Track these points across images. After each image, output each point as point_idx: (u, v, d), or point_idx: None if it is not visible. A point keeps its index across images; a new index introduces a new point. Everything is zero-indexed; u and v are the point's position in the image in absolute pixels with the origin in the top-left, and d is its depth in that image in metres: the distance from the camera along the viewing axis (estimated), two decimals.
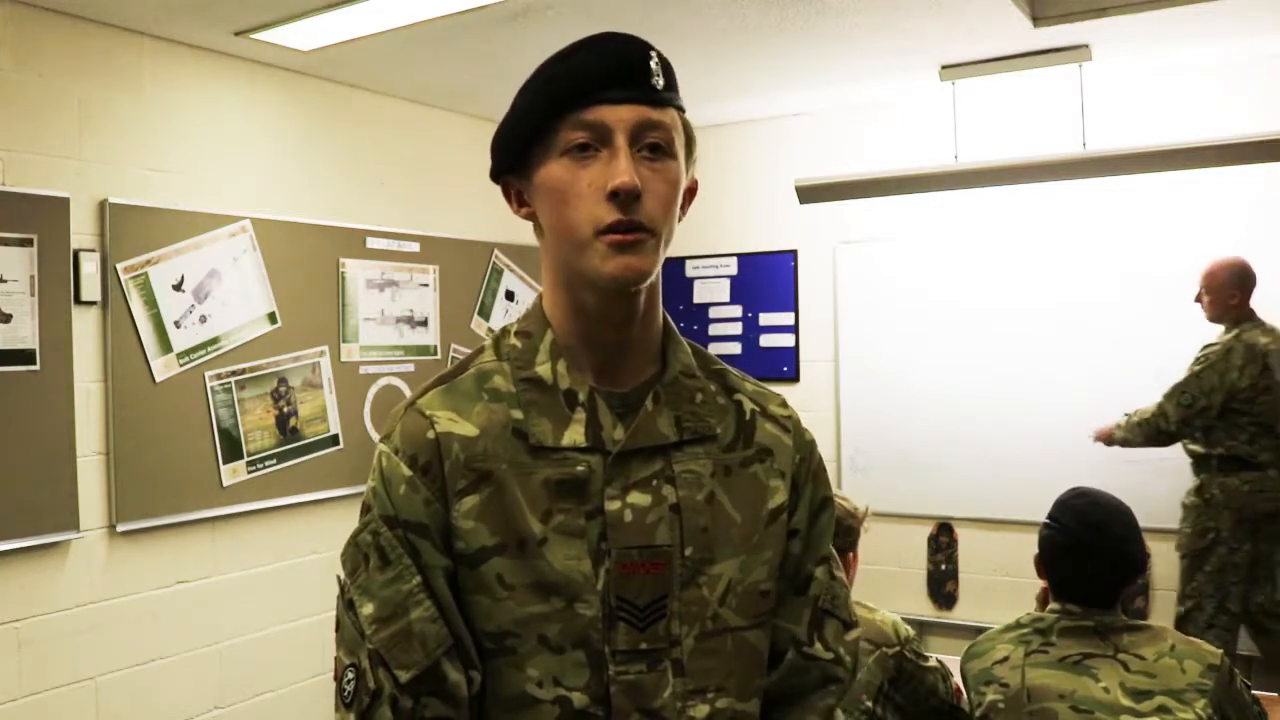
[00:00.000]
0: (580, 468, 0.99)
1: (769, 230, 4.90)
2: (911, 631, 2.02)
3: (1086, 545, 1.83)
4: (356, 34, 3.31)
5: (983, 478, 4.39)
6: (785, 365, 4.86)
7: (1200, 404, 3.53)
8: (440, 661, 0.95)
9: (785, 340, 4.87)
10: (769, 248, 4.91)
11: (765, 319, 4.92)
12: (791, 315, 4.86)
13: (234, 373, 3.50)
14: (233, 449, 3.49)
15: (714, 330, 5.03)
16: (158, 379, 3.28)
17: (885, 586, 4.45)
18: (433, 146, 4.36)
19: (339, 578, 1.01)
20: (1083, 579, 1.84)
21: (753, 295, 4.95)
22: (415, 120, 4.30)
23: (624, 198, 0.94)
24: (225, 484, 3.46)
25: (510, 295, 4.67)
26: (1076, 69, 3.86)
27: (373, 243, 4.02)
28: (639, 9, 3.15)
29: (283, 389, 3.66)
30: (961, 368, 4.42)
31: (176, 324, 3.33)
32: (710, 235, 4.97)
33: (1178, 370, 3.61)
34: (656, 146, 0.97)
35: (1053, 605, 1.88)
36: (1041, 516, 1.95)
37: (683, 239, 4.57)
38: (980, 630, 2.11)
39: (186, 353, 3.36)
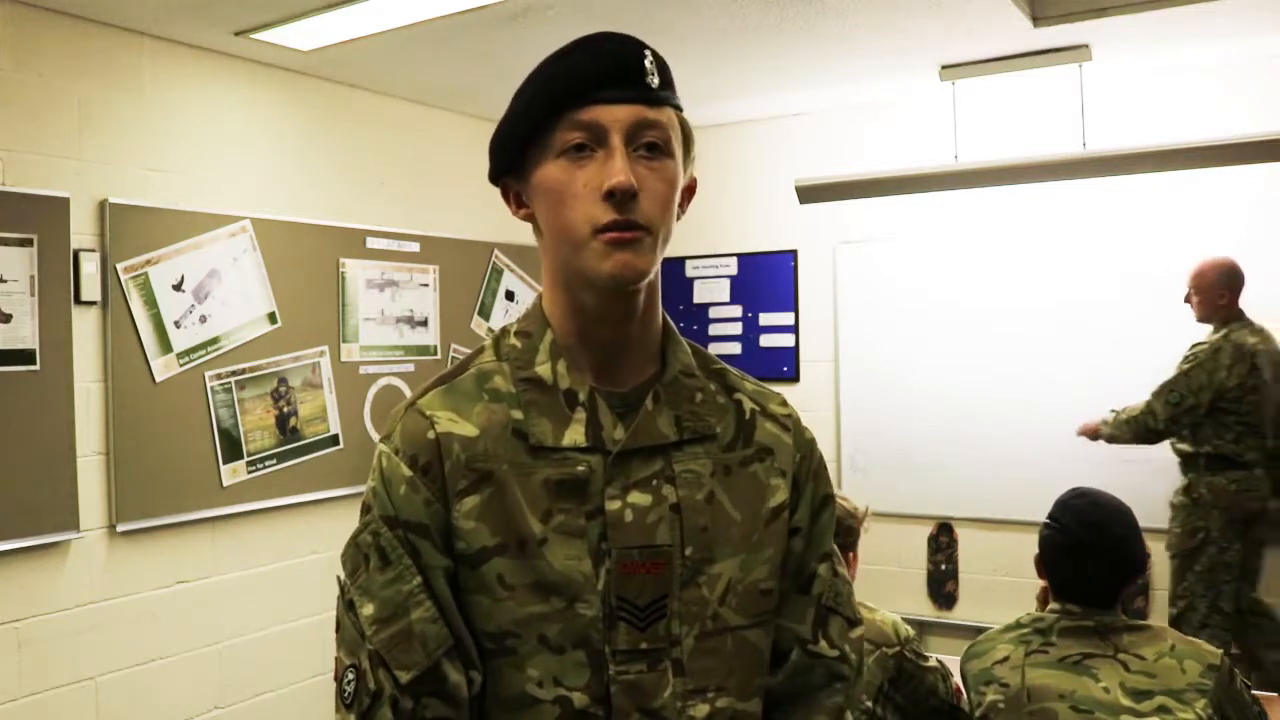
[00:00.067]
0: (580, 468, 0.99)
1: (769, 230, 4.90)
2: (911, 631, 2.02)
3: (1087, 545, 1.83)
4: (356, 34, 3.31)
5: (983, 478, 4.39)
6: (785, 365, 4.86)
7: (1188, 403, 3.54)
8: (441, 662, 0.95)
9: (785, 340, 4.87)
10: (769, 248, 4.91)
11: (765, 319, 4.92)
12: (791, 315, 4.86)
13: (234, 373, 3.50)
14: (233, 449, 3.49)
15: (714, 330, 5.04)
16: (158, 379, 3.28)
17: (885, 586, 4.45)
18: (433, 146, 4.36)
19: (339, 578, 1.01)
20: (1083, 579, 1.84)
21: (753, 295, 4.95)
22: (415, 120, 4.30)
23: (620, 197, 0.94)
24: (225, 484, 3.46)
25: (510, 295, 4.67)
26: (1076, 69, 3.86)
27: (373, 243, 4.02)
28: (639, 9, 3.15)
29: (283, 389, 3.66)
30: (961, 368, 4.42)
31: (176, 324, 3.33)
32: (710, 235, 4.97)
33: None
34: (653, 145, 0.97)
35: (1053, 605, 1.88)
36: (1041, 516, 1.95)
37: (683, 239, 4.59)
38: (980, 630, 2.11)
39: (186, 353, 3.36)
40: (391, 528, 0.98)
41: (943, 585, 4.51)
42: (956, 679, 2.01)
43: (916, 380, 4.52)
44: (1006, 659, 1.83)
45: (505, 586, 0.97)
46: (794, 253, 4.85)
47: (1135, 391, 3.72)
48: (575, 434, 1.00)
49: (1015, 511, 4.20)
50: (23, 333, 2.94)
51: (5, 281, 2.90)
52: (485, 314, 4.55)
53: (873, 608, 1.98)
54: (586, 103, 0.96)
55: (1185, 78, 3.99)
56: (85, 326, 3.12)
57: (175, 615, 3.35)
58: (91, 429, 3.12)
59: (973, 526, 4.45)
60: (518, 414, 1.01)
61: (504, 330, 1.08)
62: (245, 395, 3.53)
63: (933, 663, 2.02)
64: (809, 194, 4.21)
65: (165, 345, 3.30)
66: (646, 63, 0.98)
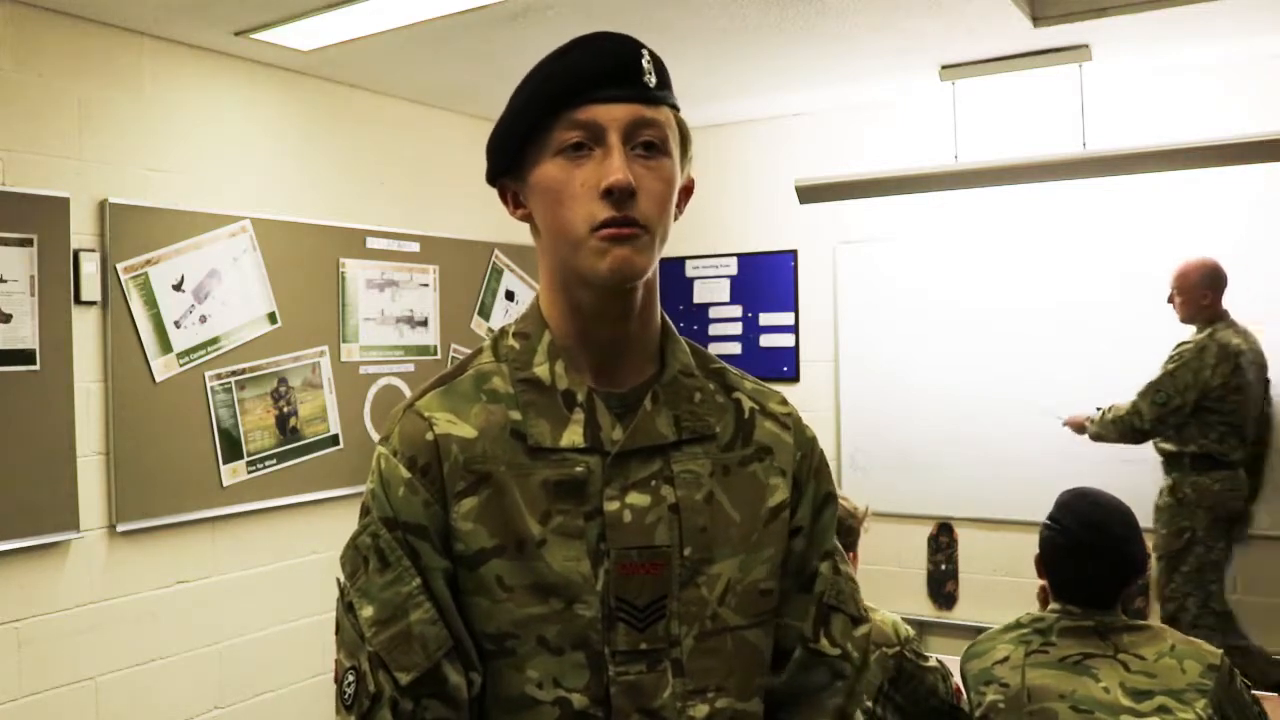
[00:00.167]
0: (579, 468, 0.99)
1: (769, 230, 4.90)
2: (911, 631, 2.02)
3: (1087, 546, 1.83)
4: (356, 34, 3.31)
5: (983, 478, 4.39)
6: (785, 365, 4.86)
7: (1175, 402, 3.55)
8: (440, 663, 0.95)
9: (785, 340, 4.87)
10: (769, 248, 4.91)
11: (765, 319, 4.92)
12: (791, 315, 4.86)
13: (234, 373, 3.50)
14: (233, 449, 3.49)
15: (714, 330, 5.03)
16: (158, 379, 3.28)
17: (885, 586, 4.45)
18: (433, 146, 4.36)
19: (339, 580, 1.01)
20: (1083, 579, 1.84)
21: (753, 295, 4.95)
22: (415, 120, 4.30)
23: (618, 195, 0.94)
24: (225, 484, 3.46)
25: (510, 295, 4.67)
26: (1076, 69, 3.86)
27: (373, 243, 4.02)
28: (639, 9, 3.15)
29: (283, 389, 3.66)
30: (961, 368, 4.42)
31: (176, 324, 3.34)
32: (710, 235, 4.97)
33: None
34: (650, 144, 0.98)
35: (1053, 605, 1.88)
36: (1041, 516, 1.95)
37: (683, 239, 4.60)
38: (980, 630, 2.11)
39: (186, 353, 3.36)
40: (390, 529, 0.98)
41: (943, 585, 4.51)
42: (956, 679, 2.01)
43: (916, 380, 4.52)
44: (1006, 659, 1.83)
45: (504, 588, 0.97)
46: (794, 253, 4.85)
47: (1135, 391, 3.72)
48: (573, 435, 1.00)
49: (1015, 511, 4.20)
50: (23, 333, 2.94)
51: (5, 281, 2.90)
52: (485, 314, 4.55)
53: (873, 608, 1.98)
54: (584, 102, 0.96)
55: (1185, 78, 3.99)
56: (85, 326, 3.12)
57: (175, 615, 3.35)
58: (91, 429, 3.12)
59: (973, 526, 4.45)
60: (516, 415, 1.00)
61: (502, 331, 1.08)
62: (245, 395, 3.53)
63: (933, 663, 2.02)
64: (809, 194, 4.21)
65: (165, 345, 3.30)
66: (644, 62, 0.98)
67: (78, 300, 3.08)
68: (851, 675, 1.09)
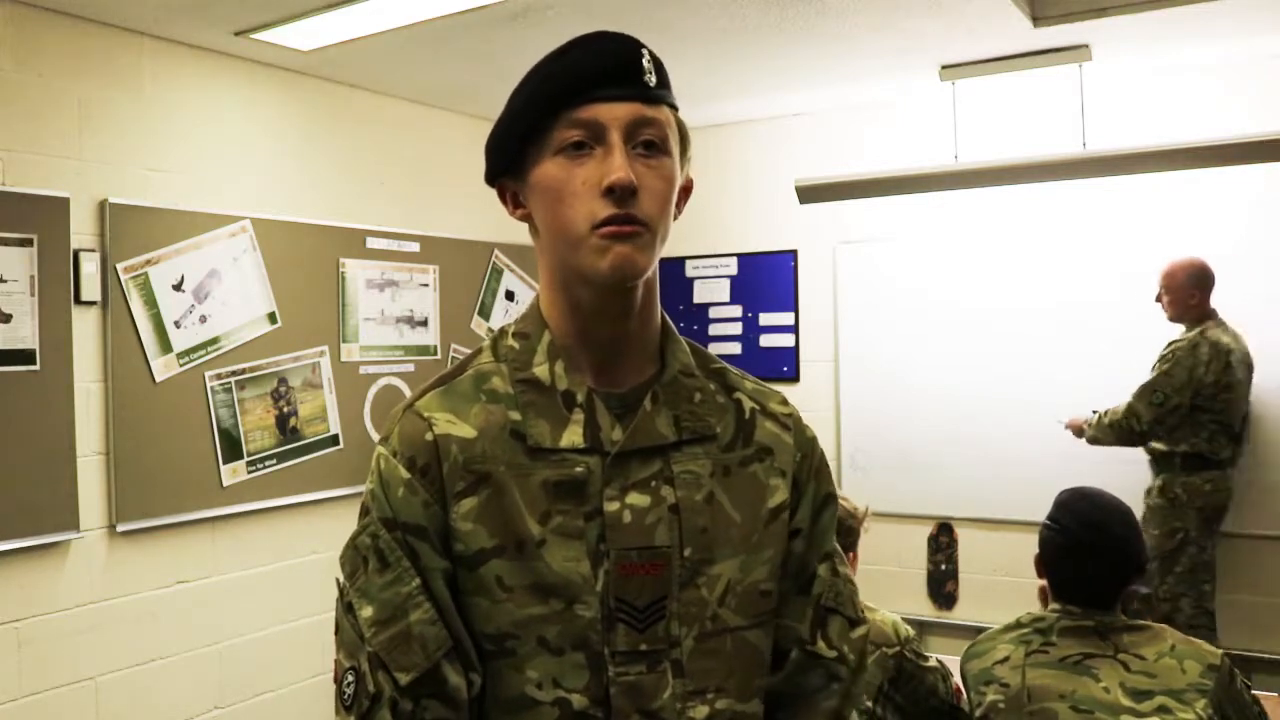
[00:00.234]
0: (579, 469, 0.99)
1: (769, 230, 4.89)
2: (911, 631, 2.02)
3: (1087, 545, 1.83)
4: (356, 34, 3.31)
5: (983, 478, 4.39)
6: (785, 365, 4.86)
7: (1173, 402, 3.56)
8: (440, 664, 0.95)
9: (785, 340, 4.87)
10: (769, 248, 4.91)
11: (765, 319, 4.92)
12: (791, 315, 4.86)
13: (234, 373, 3.50)
14: (233, 449, 3.49)
15: (714, 330, 5.03)
16: (158, 379, 3.28)
17: (885, 586, 4.45)
18: (433, 146, 4.36)
19: (338, 580, 1.01)
20: (1083, 579, 1.84)
21: (753, 295, 4.95)
22: (415, 120, 4.30)
23: (620, 193, 0.94)
24: (225, 484, 3.46)
25: (510, 295, 4.67)
26: (1076, 69, 3.85)
27: (373, 243, 4.02)
28: (639, 9, 3.15)
29: (283, 389, 3.66)
30: (961, 368, 4.42)
31: (176, 324, 3.33)
32: (710, 235, 4.97)
33: None
34: (651, 143, 0.98)
35: (1053, 605, 1.88)
36: (1041, 516, 1.95)
37: (683, 239, 4.60)
38: (980, 630, 2.11)
39: (186, 353, 3.36)
40: (390, 530, 0.97)
41: (943, 585, 4.51)
42: (956, 679, 2.01)
43: (916, 380, 4.52)
44: (1007, 659, 1.83)
45: (504, 588, 0.97)
46: (794, 253, 4.85)
47: (1130, 394, 3.72)
48: (573, 435, 1.00)
49: (1015, 511, 4.20)
50: (23, 333, 2.94)
51: (5, 281, 2.90)
52: (485, 314, 4.55)
53: (873, 608, 1.98)
54: (585, 101, 0.96)
55: (1185, 78, 3.99)
56: (85, 326, 3.12)
57: (175, 615, 3.35)
58: (91, 429, 3.12)
59: (973, 526, 4.45)
60: (516, 415, 1.00)
61: (502, 331, 1.08)
62: (245, 395, 3.53)
63: (933, 663, 2.02)
64: (809, 194, 4.21)
65: (165, 345, 3.30)
66: (644, 61, 0.98)
67: (78, 300, 3.08)
68: (847, 678, 1.09)
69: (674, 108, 1.02)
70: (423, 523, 0.97)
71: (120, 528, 3.17)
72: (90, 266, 3.10)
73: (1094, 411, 3.80)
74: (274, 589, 3.65)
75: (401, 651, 0.94)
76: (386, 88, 4.09)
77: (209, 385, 3.42)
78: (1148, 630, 1.81)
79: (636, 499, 0.99)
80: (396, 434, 1.01)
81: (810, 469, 1.11)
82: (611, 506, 0.98)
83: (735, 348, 4.95)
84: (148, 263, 3.27)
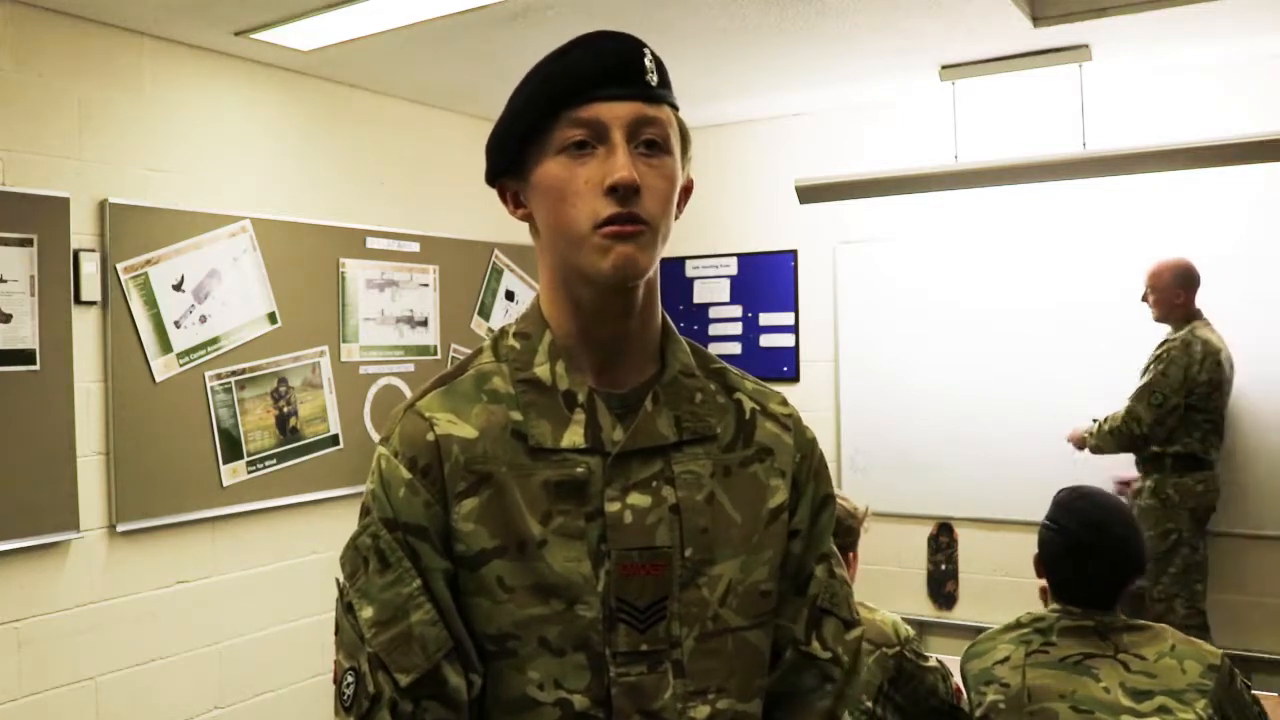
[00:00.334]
0: (580, 469, 0.98)
1: (769, 230, 4.89)
2: (911, 631, 2.02)
3: (1087, 545, 1.83)
4: (356, 34, 3.31)
5: (983, 478, 4.39)
6: (785, 365, 4.86)
7: (1172, 402, 3.57)
8: (440, 665, 0.94)
9: (785, 340, 4.87)
10: (769, 248, 4.91)
11: (765, 319, 4.92)
12: (791, 315, 4.86)
13: (234, 373, 3.50)
14: (233, 449, 3.49)
15: (714, 330, 5.03)
16: (158, 379, 3.28)
17: (885, 586, 4.45)
18: (433, 146, 4.36)
19: (338, 580, 1.00)
20: (1083, 579, 1.84)
21: (753, 295, 4.95)
22: (415, 120, 4.30)
23: (623, 192, 0.94)
24: (225, 484, 3.46)
25: (510, 295, 4.67)
26: (1076, 69, 3.85)
27: (373, 243, 4.02)
28: (639, 9, 3.15)
29: (283, 389, 3.66)
30: (961, 368, 4.42)
31: (176, 324, 3.33)
32: (710, 235, 4.97)
33: None
34: (653, 143, 0.97)
35: (1053, 605, 1.88)
36: (1041, 516, 1.95)
37: (683, 239, 4.60)
38: (980, 630, 2.11)
39: (186, 353, 3.36)
40: (391, 530, 0.97)
41: (943, 585, 4.51)
42: (956, 679, 2.01)
43: (916, 380, 4.52)
44: (1007, 659, 1.83)
45: (505, 589, 0.97)
46: (794, 253, 4.84)
47: (1128, 398, 3.72)
48: (574, 435, 0.99)
49: (1015, 511, 4.20)
50: (23, 333, 2.94)
51: (5, 281, 2.90)
52: (485, 314, 4.55)
53: (873, 608, 1.98)
54: (587, 100, 0.96)
55: (1185, 78, 3.99)
56: (85, 326, 3.12)
57: (175, 615, 3.35)
58: (91, 429, 3.12)
59: (973, 526, 4.45)
60: (517, 415, 1.00)
61: (502, 331, 1.08)
62: (245, 395, 3.53)
63: (933, 663, 2.02)
64: (809, 194, 4.21)
65: (165, 345, 3.30)
66: (646, 61, 0.98)
67: (78, 300, 3.08)
68: (841, 679, 1.09)
69: (675, 107, 1.02)
70: (424, 523, 0.97)
71: (120, 528, 3.17)
72: (90, 266, 3.10)
73: (1094, 420, 3.80)
74: (274, 589, 3.65)
75: (402, 652, 0.94)
76: (386, 88, 4.09)
77: (209, 385, 3.42)
78: (1148, 630, 1.81)
79: (637, 499, 0.99)
80: (398, 434, 1.00)
81: (810, 470, 1.11)
82: (613, 507, 0.98)
83: (735, 348, 4.95)
84: (148, 263, 3.27)
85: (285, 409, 3.66)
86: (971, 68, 3.89)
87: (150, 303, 3.27)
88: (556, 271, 1.03)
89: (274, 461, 3.62)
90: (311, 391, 3.77)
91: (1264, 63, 3.87)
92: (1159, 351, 3.64)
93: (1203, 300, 3.72)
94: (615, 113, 0.96)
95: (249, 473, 3.53)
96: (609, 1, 3.08)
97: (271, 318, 3.62)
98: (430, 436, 0.99)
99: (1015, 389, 4.30)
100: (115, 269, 3.17)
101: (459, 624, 0.97)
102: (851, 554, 2.04)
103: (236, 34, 3.30)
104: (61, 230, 3.03)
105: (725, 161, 4.90)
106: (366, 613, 0.96)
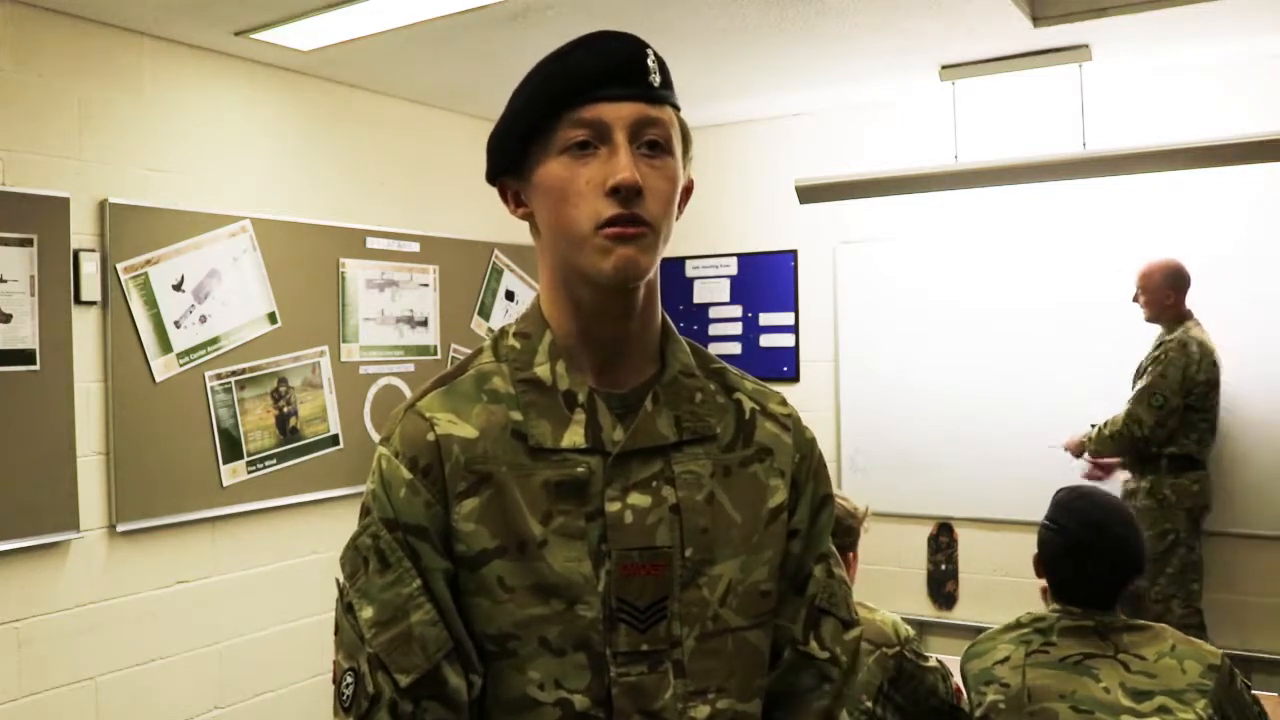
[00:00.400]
0: (580, 469, 0.98)
1: (769, 230, 4.89)
2: (911, 631, 2.02)
3: (1087, 545, 1.83)
4: (356, 34, 3.31)
5: (983, 478, 4.39)
6: (785, 365, 4.86)
7: (1173, 403, 3.58)
8: (440, 665, 0.94)
9: (785, 340, 4.87)
10: (769, 248, 4.91)
11: (765, 319, 4.92)
12: (791, 315, 4.86)
13: (234, 373, 3.50)
14: (233, 449, 3.49)
15: (714, 330, 5.03)
16: (158, 379, 3.28)
17: (885, 586, 4.45)
18: (433, 146, 4.36)
19: (338, 581, 1.00)
20: (1083, 580, 1.84)
21: (753, 295, 4.95)
22: (415, 120, 4.30)
23: (625, 193, 0.94)
24: (225, 484, 3.46)
25: (510, 295, 4.67)
26: (1076, 69, 3.85)
27: (373, 243, 4.02)
28: (639, 9, 3.15)
29: (283, 389, 3.66)
30: (961, 368, 4.42)
31: (176, 324, 3.33)
32: (710, 235, 4.97)
33: None
34: (655, 144, 0.97)
35: (1053, 605, 1.88)
36: (1041, 516, 1.95)
37: (683, 239, 4.59)
38: (980, 630, 2.11)
39: (186, 353, 3.36)
40: (391, 530, 0.97)
41: (943, 585, 4.51)
42: (956, 679, 2.01)
43: (916, 380, 4.52)
44: (1007, 659, 1.83)
45: (505, 589, 0.97)
46: (794, 253, 4.84)
47: (1128, 400, 3.72)
48: (574, 435, 0.99)
49: (1015, 511, 4.20)
50: (23, 333, 2.94)
51: (5, 281, 2.90)
52: (485, 314, 4.55)
53: (873, 608, 1.98)
54: (590, 100, 0.96)
55: (1185, 78, 3.99)
56: (85, 326, 3.12)
57: (175, 615, 3.35)
58: (91, 429, 3.12)
59: (973, 526, 4.45)
60: (517, 415, 1.00)
61: (502, 331, 1.08)
62: (245, 395, 3.53)
63: (933, 663, 2.02)
64: (809, 194, 4.21)
65: (165, 345, 3.30)
66: (649, 61, 0.98)
67: (78, 300, 3.08)
68: (839, 679, 1.09)
69: (677, 107, 1.02)
70: (424, 523, 0.97)
71: (120, 528, 3.17)
72: (90, 266, 3.10)
73: (1092, 425, 3.80)
74: (274, 589, 3.65)
75: (402, 653, 0.94)
76: (386, 88, 4.09)
77: (209, 385, 3.42)
78: (1148, 630, 1.81)
79: (638, 499, 0.99)
80: (398, 434, 1.00)
81: (809, 470, 1.11)
82: (613, 507, 0.98)
83: (735, 348, 4.95)
84: (148, 263, 3.26)
85: (285, 409, 3.66)
86: (971, 68, 3.89)
87: (150, 303, 3.27)
88: (557, 271, 1.03)
89: (274, 461, 3.62)
90: (311, 391, 3.77)
91: (1264, 63, 3.87)
92: (1156, 353, 3.64)
93: (1202, 300, 3.72)
94: (618, 113, 0.96)
95: (249, 473, 3.53)
96: (609, 1, 3.08)
97: (271, 318, 3.62)
98: (431, 436, 0.99)
99: (1015, 389, 4.30)
100: (115, 269, 3.17)
101: (459, 624, 0.97)
102: (851, 554, 2.04)
103: (236, 34, 3.30)
104: (61, 230, 3.03)
105: (725, 161, 4.90)
106: (366, 613, 0.96)
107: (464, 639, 0.97)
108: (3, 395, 2.90)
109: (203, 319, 3.41)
